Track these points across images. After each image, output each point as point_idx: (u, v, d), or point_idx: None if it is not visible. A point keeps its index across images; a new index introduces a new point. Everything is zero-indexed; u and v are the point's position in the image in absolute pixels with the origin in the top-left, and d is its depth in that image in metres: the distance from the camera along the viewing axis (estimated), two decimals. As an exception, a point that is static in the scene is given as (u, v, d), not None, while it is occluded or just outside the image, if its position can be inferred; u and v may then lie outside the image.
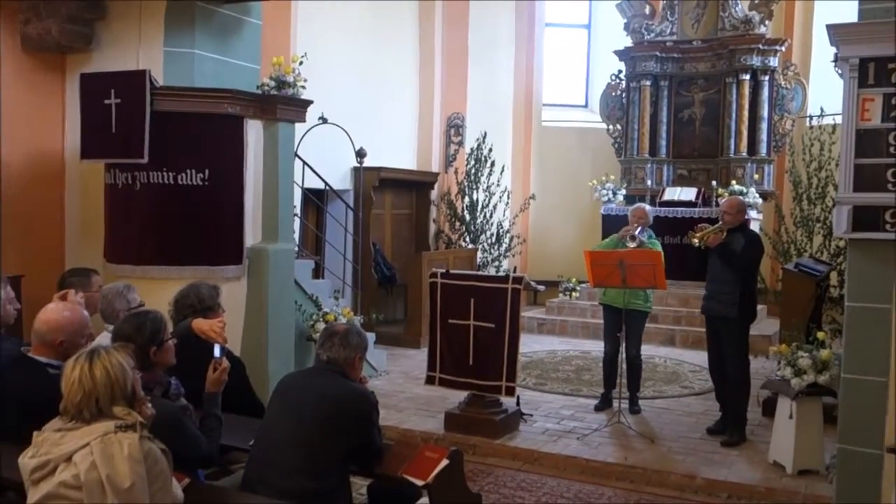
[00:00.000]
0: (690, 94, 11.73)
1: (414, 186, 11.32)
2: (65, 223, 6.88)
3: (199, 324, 3.72)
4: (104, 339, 3.59)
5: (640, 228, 6.46)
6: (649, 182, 11.65)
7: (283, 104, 6.35)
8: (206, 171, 5.97)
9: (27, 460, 2.43)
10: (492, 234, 11.68)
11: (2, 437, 3.22)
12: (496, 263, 11.66)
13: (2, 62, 6.33)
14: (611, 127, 12.30)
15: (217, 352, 3.40)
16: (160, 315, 3.29)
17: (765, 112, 11.20)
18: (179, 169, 5.93)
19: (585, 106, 14.08)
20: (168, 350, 3.22)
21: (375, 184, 9.78)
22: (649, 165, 11.76)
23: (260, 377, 5.65)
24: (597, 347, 8.78)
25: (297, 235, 7.64)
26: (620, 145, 12.17)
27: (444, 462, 3.20)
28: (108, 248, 6.22)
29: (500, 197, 11.74)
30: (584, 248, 6.70)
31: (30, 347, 3.38)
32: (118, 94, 5.80)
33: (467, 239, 11.42)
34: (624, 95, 12.09)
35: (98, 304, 4.20)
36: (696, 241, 5.79)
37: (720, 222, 5.85)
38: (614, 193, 11.41)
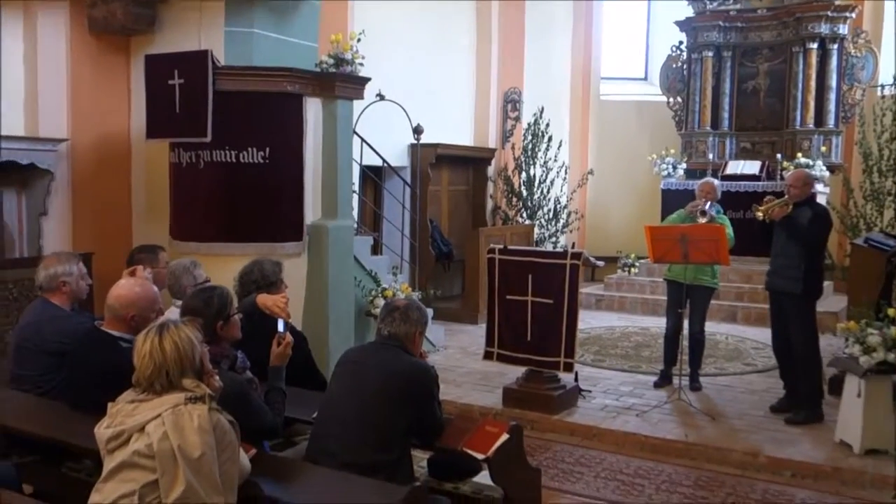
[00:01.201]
0: (755, 65, 11.40)
1: (471, 162, 11.29)
2: (132, 202, 7.08)
3: (264, 299, 3.79)
4: (172, 313, 3.70)
5: (708, 203, 6.33)
6: (711, 156, 11.39)
7: (341, 82, 6.38)
8: (267, 150, 6.06)
9: (103, 430, 2.53)
10: (549, 210, 11.59)
11: (77, 407, 3.36)
12: (553, 239, 11.58)
13: (70, 44, 6.51)
14: (671, 100, 12.05)
15: (281, 326, 3.47)
16: (226, 290, 3.36)
17: (833, 82, 10.82)
18: (241, 147, 6.03)
19: (645, 79, 13.81)
20: (234, 325, 3.30)
21: (432, 160, 9.78)
22: (711, 138, 11.49)
23: (320, 352, 5.75)
24: (656, 324, 8.69)
25: (355, 212, 7.71)
26: (681, 118, 11.92)
27: (505, 436, 3.22)
28: (174, 226, 6.37)
29: (558, 172, 11.63)
30: (644, 223, 6.60)
31: (102, 321, 3.50)
32: (181, 75, 5.91)
33: (524, 215, 11.36)
34: (685, 67, 11.82)
35: (165, 279, 4.32)
36: (759, 214, 5.65)
37: (786, 196, 5.69)
38: (674, 168, 11.21)
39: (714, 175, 9.93)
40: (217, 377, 2.73)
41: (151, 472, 2.40)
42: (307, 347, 4.15)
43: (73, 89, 6.50)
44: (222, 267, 5.25)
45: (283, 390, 3.38)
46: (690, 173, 11.09)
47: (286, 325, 3.53)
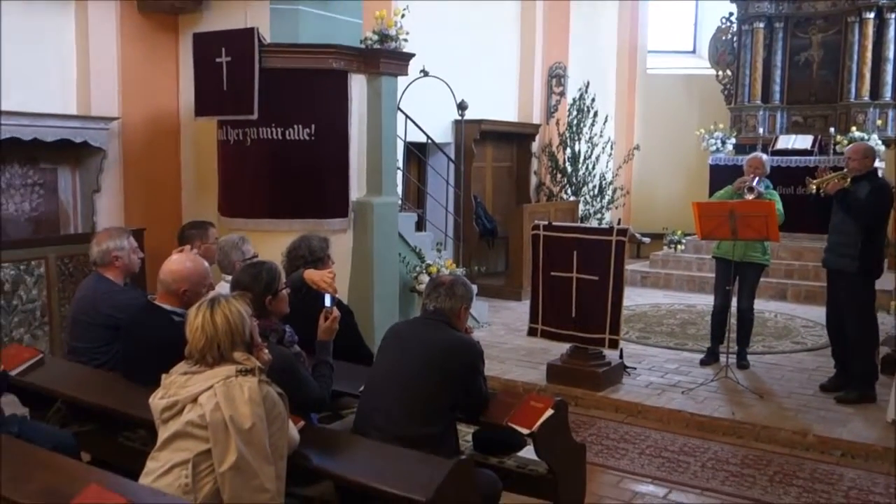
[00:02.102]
0: (808, 36, 11.08)
1: (515, 138, 11.23)
2: (181, 178, 7.20)
3: (311, 274, 3.84)
4: (222, 288, 3.77)
5: (756, 179, 6.20)
6: (761, 130, 11.15)
7: (385, 58, 6.38)
8: (313, 127, 6.11)
9: (157, 401, 2.60)
10: (594, 186, 11.49)
11: (133, 379, 3.46)
12: (598, 216, 11.49)
13: (120, 24, 6.61)
14: (720, 73, 11.79)
15: (328, 301, 3.51)
16: (275, 265, 3.41)
17: (890, 53, 10.46)
18: (287, 124, 6.08)
19: (693, 52, 13.54)
20: (282, 299, 3.34)
21: (476, 136, 9.76)
22: (761, 112, 11.23)
23: (365, 327, 5.79)
24: (702, 301, 8.59)
25: (399, 189, 7.74)
26: (730, 92, 11.66)
27: (549, 412, 3.22)
28: (222, 203, 6.47)
29: (603, 148, 11.51)
30: (691, 199, 6.51)
31: (155, 296, 3.59)
32: (228, 53, 5.96)
33: (569, 191, 11.27)
34: (735, 39, 11.54)
35: (215, 255, 4.40)
36: (814, 186, 5.51)
37: (844, 170, 5.53)
38: (723, 143, 11.00)
39: (764, 150, 9.73)
40: (266, 350, 2.78)
41: (204, 442, 2.47)
42: (353, 322, 4.20)
43: (123, 68, 6.62)
44: (270, 243, 5.34)
45: (330, 364, 3.43)
46: (740, 148, 10.86)
47: (333, 299, 3.57)
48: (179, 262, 3.54)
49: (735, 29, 11.54)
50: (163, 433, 2.58)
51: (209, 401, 2.48)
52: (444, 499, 2.51)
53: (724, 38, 11.77)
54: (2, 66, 5.78)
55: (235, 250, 4.30)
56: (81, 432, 3.64)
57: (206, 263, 3.69)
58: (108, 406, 3.44)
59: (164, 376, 2.66)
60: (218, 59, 6.00)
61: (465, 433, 3.65)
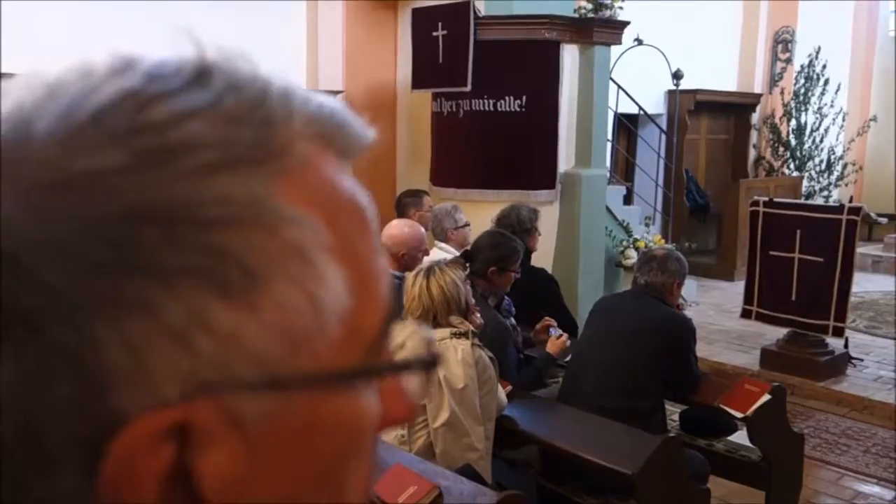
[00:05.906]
0: None
1: (733, 109, 10.61)
2: (396, 149, 7.52)
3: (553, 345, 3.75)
4: (436, 254, 3.92)
5: None
6: None
7: (599, 27, 6.25)
8: (524, 98, 6.13)
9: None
10: (821, 161, 10.61)
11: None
12: (825, 193, 10.61)
13: (345, 2, 6.98)
14: (980, 34, 10.43)
15: (553, 332, 3.50)
16: (518, 247, 3.48)
17: None
18: (499, 96, 6.14)
19: (948, 10, 12.06)
20: (507, 279, 3.41)
21: (691, 107, 9.34)
22: None
23: (570, 299, 5.77)
24: (946, 291, 7.73)
25: (608, 161, 7.59)
26: None
27: (766, 397, 3.06)
28: (434, 172, 6.69)
29: (834, 119, 10.58)
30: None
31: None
32: (444, 27, 6.11)
33: (791, 166, 10.50)
34: None
35: (429, 222, 4.58)
36: None
37: None
38: (980, 113, 9.74)
39: None
40: (479, 314, 2.86)
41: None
42: (559, 292, 4.21)
43: (347, 44, 6.99)
44: (478, 212, 5.43)
45: (541, 373, 3.44)
46: None
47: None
48: (399, 228, 3.72)
49: None
50: (380, 387, 2.74)
51: (425, 360, 2.60)
52: (652, 474, 2.48)
53: None
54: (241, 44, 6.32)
55: (448, 218, 4.44)
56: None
57: (423, 229, 3.85)
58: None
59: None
60: (434, 33, 6.17)
61: (672, 412, 3.57)
